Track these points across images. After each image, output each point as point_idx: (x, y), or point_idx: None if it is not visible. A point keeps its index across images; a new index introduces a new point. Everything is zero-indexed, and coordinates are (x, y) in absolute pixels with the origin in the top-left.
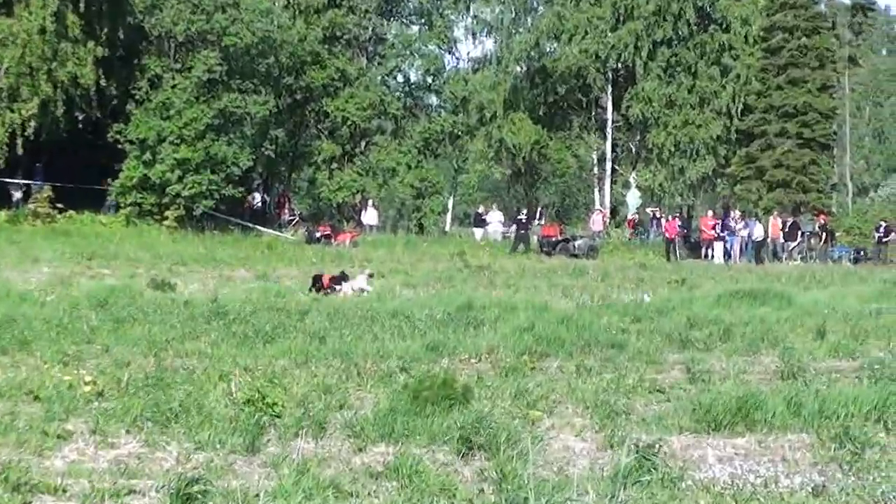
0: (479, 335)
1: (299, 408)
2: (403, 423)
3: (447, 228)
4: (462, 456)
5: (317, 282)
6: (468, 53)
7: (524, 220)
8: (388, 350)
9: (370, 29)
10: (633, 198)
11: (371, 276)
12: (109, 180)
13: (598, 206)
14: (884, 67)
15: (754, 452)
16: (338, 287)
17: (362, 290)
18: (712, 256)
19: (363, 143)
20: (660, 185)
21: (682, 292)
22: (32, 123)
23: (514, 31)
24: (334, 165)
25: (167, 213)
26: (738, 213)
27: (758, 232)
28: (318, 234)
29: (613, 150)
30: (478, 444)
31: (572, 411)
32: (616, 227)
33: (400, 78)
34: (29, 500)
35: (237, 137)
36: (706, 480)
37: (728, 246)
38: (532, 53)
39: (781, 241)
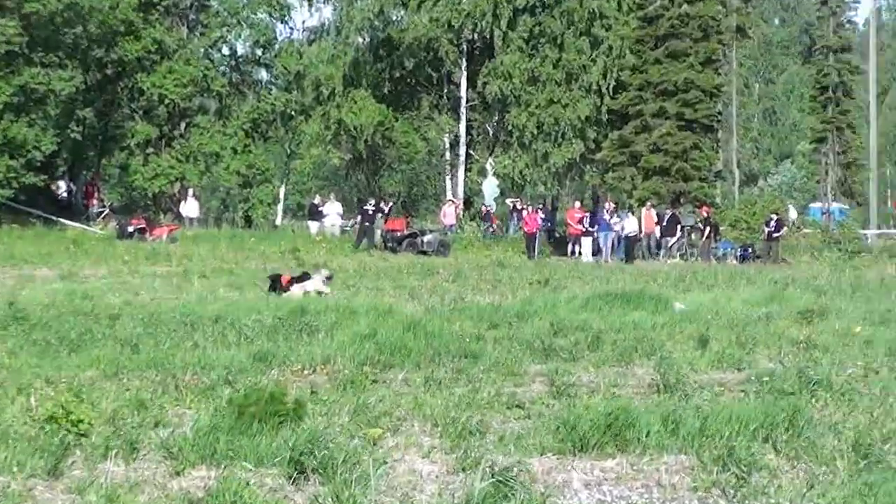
0: (313, 343)
1: (109, 425)
2: (227, 443)
3: (278, 222)
4: (293, 480)
5: (275, 282)
6: (303, 23)
7: (371, 212)
8: (210, 360)
9: None
10: (489, 187)
11: (329, 277)
12: None
13: (450, 196)
14: (776, 39)
15: (626, 476)
16: (292, 288)
17: (319, 293)
18: (580, 253)
19: (183, 125)
20: (520, 172)
21: (546, 294)
22: None
23: None
24: (150, 150)
25: None
26: (611, 204)
27: (630, 226)
28: (130, 228)
29: (468, 133)
30: (311, 466)
31: (419, 429)
32: (470, 220)
33: (225, 50)
34: None
35: (39, 118)
36: None
37: (600, 242)
38: (376, 23)
39: (658, 236)
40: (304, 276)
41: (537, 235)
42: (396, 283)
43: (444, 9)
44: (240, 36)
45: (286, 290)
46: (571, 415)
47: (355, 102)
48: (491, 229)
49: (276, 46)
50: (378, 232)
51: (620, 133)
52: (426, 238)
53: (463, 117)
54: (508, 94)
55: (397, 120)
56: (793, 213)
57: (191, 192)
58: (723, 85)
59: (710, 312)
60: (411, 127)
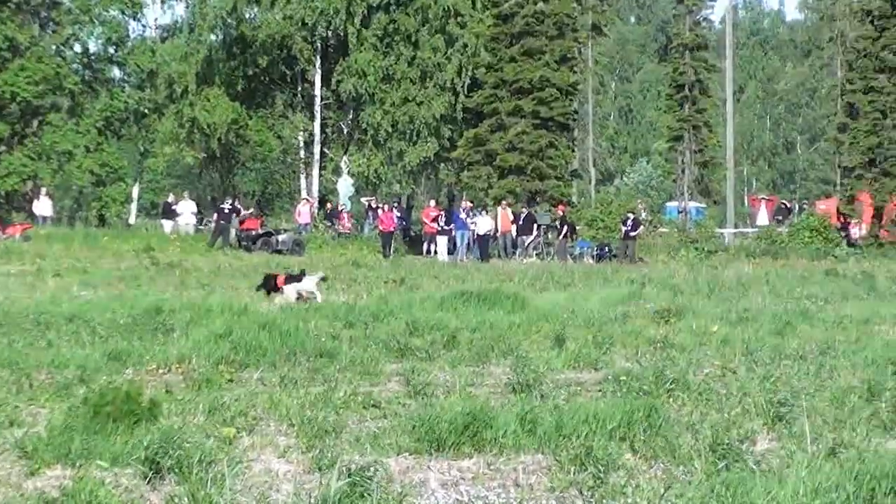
0: (168, 342)
1: None
2: (82, 443)
3: (132, 220)
4: (149, 480)
5: (269, 281)
6: (156, 20)
7: (227, 211)
8: (64, 359)
9: None
10: (344, 186)
11: (324, 279)
12: None
13: (304, 195)
14: (632, 37)
15: (483, 476)
16: (286, 288)
17: (312, 295)
18: (435, 252)
19: (35, 123)
20: (375, 171)
21: (402, 293)
22: None
23: None
24: (2, 148)
25: None
26: (467, 203)
27: (485, 225)
28: None
29: (323, 132)
30: (167, 466)
31: (275, 429)
32: (325, 218)
33: (77, 48)
34: None
35: None
36: None
37: (456, 241)
38: (229, 20)
39: (514, 235)
40: (300, 276)
41: (393, 234)
42: (251, 283)
43: (297, 6)
44: (92, 33)
45: (280, 290)
46: (428, 414)
47: (209, 101)
48: (336, 228)
49: (129, 44)
50: (233, 231)
51: (476, 131)
52: (281, 237)
53: (317, 116)
54: (363, 93)
55: (251, 118)
56: (642, 214)
57: (44, 190)
58: (578, 83)
59: (566, 312)
60: (265, 125)
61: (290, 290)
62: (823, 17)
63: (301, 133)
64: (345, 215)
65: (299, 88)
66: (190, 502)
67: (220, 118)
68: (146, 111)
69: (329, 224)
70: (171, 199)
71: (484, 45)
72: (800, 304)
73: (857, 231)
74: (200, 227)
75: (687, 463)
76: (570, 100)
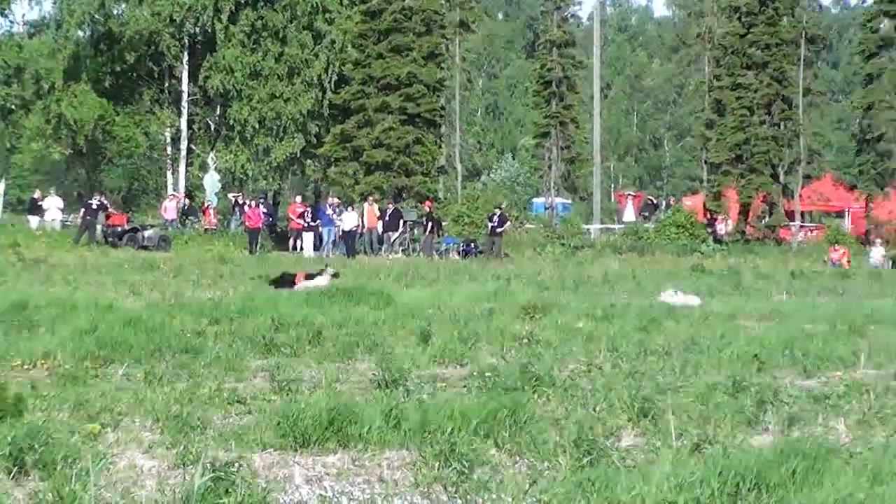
0: (33, 338)
1: None
2: None
3: None
4: (13, 476)
5: (285, 277)
6: (23, 16)
7: (95, 207)
8: None
9: None
10: (211, 182)
11: (335, 275)
12: None
13: (171, 191)
14: (500, 33)
15: (348, 472)
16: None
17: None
18: (301, 248)
19: None
20: (242, 167)
21: (268, 289)
22: None
23: None
24: None
25: None
26: (334, 199)
27: (351, 221)
28: None
29: (190, 128)
30: (31, 461)
31: (140, 425)
32: (182, 214)
33: None
34: None
35: None
36: (293, 503)
37: (323, 237)
38: (97, 16)
39: (380, 231)
40: (318, 274)
41: (259, 230)
42: (117, 279)
43: (165, 3)
44: None
45: (293, 287)
46: (293, 410)
47: (76, 96)
48: (200, 224)
49: None
50: (99, 227)
51: (342, 128)
52: (147, 233)
53: (184, 112)
54: (230, 89)
55: (118, 114)
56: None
57: None
58: (446, 79)
59: (432, 308)
60: (132, 121)
61: (302, 287)
62: (691, 14)
63: (168, 129)
64: (211, 211)
65: (166, 84)
66: (54, 498)
67: (87, 114)
68: (13, 107)
69: (194, 220)
70: (37, 195)
71: (351, 41)
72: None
73: (723, 227)
74: (67, 222)
75: (552, 459)
76: (438, 96)
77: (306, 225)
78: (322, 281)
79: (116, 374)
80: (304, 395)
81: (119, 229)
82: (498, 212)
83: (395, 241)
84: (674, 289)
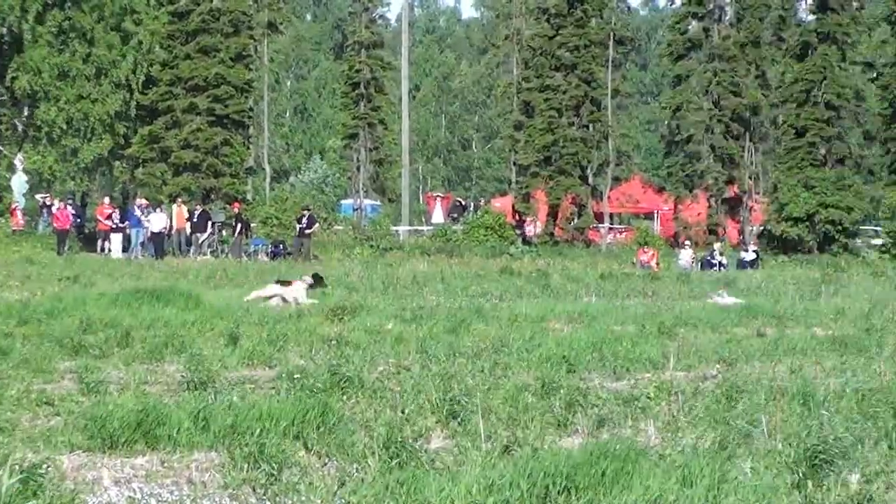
0: None
1: None
2: None
3: None
4: None
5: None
6: None
7: None
8: None
9: None
10: (18, 183)
11: (313, 285)
12: None
13: None
14: (308, 35)
15: (157, 473)
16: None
17: (296, 301)
18: (109, 250)
19: None
20: (50, 168)
21: (76, 291)
22: None
23: None
24: None
25: None
26: (142, 200)
27: (160, 222)
28: None
29: None
30: None
31: None
32: None
33: None
34: None
35: None
36: None
37: (131, 238)
38: None
39: (189, 232)
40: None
41: (68, 232)
42: None
43: None
44: None
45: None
46: (101, 412)
47: None
48: (8, 224)
49: None
50: None
51: (150, 128)
52: None
53: None
54: (38, 90)
55: None
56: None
57: None
58: (254, 80)
59: (240, 309)
60: None
61: (273, 294)
62: (500, 15)
63: None
64: (18, 212)
65: None
66: None
67: None
68: None
69: (46, 221)
70: None
71: (159, 42)
72: (474, 301)
73: (532, 229)
74: None
75: (361, 461)
76: (246, 97)
77: (114, 226)
78: (296, 291)
79: None
80: (113, 397)
81: None
82: (306, 213)
83: (203, 242)
84: (722, 291)
